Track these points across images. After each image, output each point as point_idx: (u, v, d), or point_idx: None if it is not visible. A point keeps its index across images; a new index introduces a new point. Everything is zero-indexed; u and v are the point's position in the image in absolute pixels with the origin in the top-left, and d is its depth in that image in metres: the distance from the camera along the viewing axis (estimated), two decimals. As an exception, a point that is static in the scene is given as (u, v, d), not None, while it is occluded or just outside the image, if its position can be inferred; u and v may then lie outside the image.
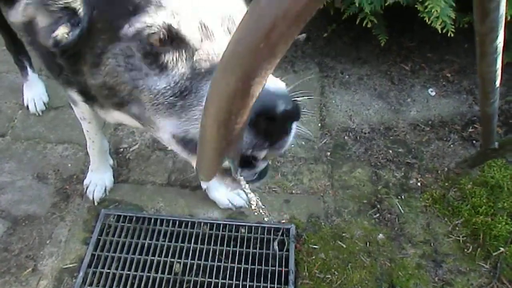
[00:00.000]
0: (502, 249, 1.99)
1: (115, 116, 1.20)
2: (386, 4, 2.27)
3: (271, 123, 0.80)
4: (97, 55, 1.00)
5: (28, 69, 2.52)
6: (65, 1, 0.99)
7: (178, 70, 0.95)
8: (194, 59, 0.94)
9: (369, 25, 2.44)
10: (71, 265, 1.97)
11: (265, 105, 0.76)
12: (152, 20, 0.91)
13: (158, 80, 0.96)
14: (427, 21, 2.17)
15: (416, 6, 2.18)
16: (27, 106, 2.56)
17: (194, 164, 0.97)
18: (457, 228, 2.10)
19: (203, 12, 0.95)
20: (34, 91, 2.56)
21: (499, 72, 1.07)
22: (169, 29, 0.92)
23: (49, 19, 1.00)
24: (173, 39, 0.93)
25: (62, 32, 0.99)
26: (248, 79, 0.52)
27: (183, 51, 0.95)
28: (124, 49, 0.96)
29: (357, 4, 2.25)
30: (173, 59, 0.95)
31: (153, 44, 0.93)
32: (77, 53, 1.04)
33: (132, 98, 1.03)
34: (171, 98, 0.96)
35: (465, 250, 2.02)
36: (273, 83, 0.82)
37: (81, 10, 0.99)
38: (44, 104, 2.58)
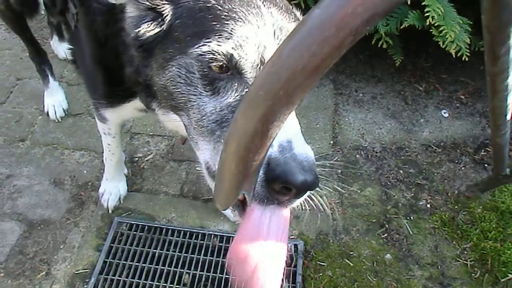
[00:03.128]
0: (510, 275, 1.99)
1: (172, 118, 1.24)
2: (402, 26, 2.30)
3: (286, 190, 0.86)
4: (166, 59, 1.08)
5: (50, 77, 2.60)
6: (153, 3, 1.08)
7: (227, 98, 1.02)
8: (244, 92, 1.01)
9: (384, 46, 2.47)
10: (83, 271, 2.02)
11: (286, 175, 0.83)
12: (217, 47, 0.98)
13: (208, 102, 1.04)
14: (441, 45, 2.19)
15: (431, 30, 2.21)
16: (47, 112, 2.63)
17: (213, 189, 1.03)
18: (465, 252, 2.10)
19: (266, 48, 1.01)
20: (55, 98, 2.64)
21: (510, 107, 1.10)
22: (231, 59, 0.99)
23: (136, 13, 1.10)
24: (232, 68, 1.01)
25: (145, 29, 1.09)
26: (267, 122, 0.56)
27: (237, 82, 1.01)
28: (188, 64, 1.04)
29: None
30: (225, 87, 1.02)
31: (212, 69, 1.00)
32: (151, 49, 1.12)
33: (185, 108, 1.11)
34: (213, 124, 1.03)
35: (473, 274, 2.03)
36: (302, 148, 0.89)
37: (167, 17, 1.08)
38: (64, 111, 2.65)
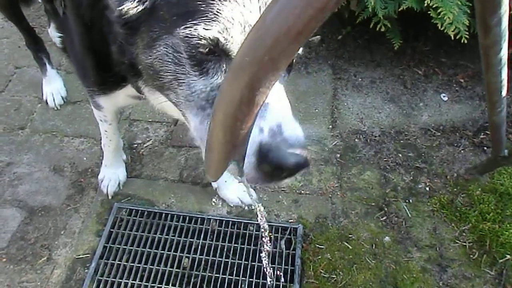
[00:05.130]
0: (508, 256, 2.00)
1: (159, 98, 1.24)
2: (400, 9, 2.28)
3: (279, 171, 0.89)
4: (152, 38, 1.07)
5: (47, 65, 2.60)
6: None
7: (217, 78, 1.02)
8: None
9: (382, 29, 2.45)
10: (83, 256, 2.04)
11: (278, 159, 0.86)
12: (204, 32, 0.97)
13: (197, 81, 1.04)
14: (439, 27, 2.17)
15: (429, 12, 2.19)
16: (46, 100, 2.64)
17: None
18: (463, 234, 2.11)
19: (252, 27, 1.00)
20: (53, 86, 2.64)
21: (505, 82, 1.09)
22: (217, 43, 0.98)
23: None
24: (218, 51, 1.00)
25: (128, 7, 1.06)
26: (253, 88, 0.56)
27: (225, 63, 1.01)
28: (175, 44, 1.03)
29: (370, 9, 2.27)
30: (214, 68, 1.02)
31: (200, 51, 1.00)
32: (135, 27, 1.10)
33: (171, 86, 1.10)
34: (203, 102, 1.03)
35: (471, 256, 2.04)
36: (292, 131, 0.91)
37: None
38: (62, 98, 2.66)
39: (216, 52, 1.00)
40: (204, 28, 0.97)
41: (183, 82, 1.05)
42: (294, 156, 0.87)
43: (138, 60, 1.14)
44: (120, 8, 1.06)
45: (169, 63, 1.05)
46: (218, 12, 0.98)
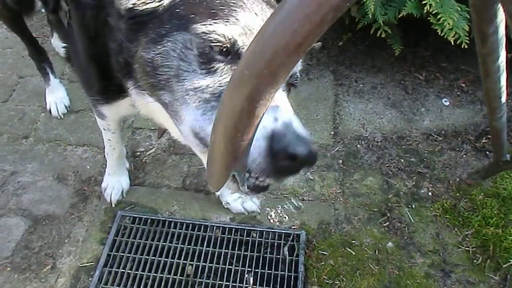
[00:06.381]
0: (512, 261, 2.00)
1: (148, 102, 1.22)
2: (400, 15, 2.29)
3: (289, 161, 0.88)
4: (160, 35, 1.06)
5: (50, 74, 2.62)
6: None
7: (225, 78, 1.02)
8: None
9: (383, 35, 2.47)
10: (87, 264, 2.05)
11: (292, 146, 0.87)
12: (224, 30, 0.99)
13: (202, 79, 1.03)
14: (439, 33, 2.18)
15: (429, 18, 2.20)
16: (49, 109, 2.65)
17: (204, 161, 1.05)
18: (467, 239, 2.11)
19: None
20: (56, 95, 2.66)
21: (504, 88, 1.10)
22: (234, 44, 1.00)
23: None
24: (233, 54, 1.01)
25: (141, 0, 1.06)
26: (253, 100, 0.57)
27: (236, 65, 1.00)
28: (186, 39, 1.03)
29: (370, 16, 2.28)
30: (224, 68, 1.02)
31: (213, 49, 1.00)
32: (143, 22, 1.09)
33: (166, 85, 1.09)
34: (209, 95, 1.02)
35: (475, 261, 2.03)
36: (302, 128, 0.92)
37: None
38: (66, 107, 2.67)
39: (230, 54, 1.01)
40: (224, 26, 0.99)
41: (185, 79, 1.04)
42: (307, 144, 0.87)
43: (136, 57, 1.13)
44: (133, 1, 1.05)
45: (174, 58, 1.05)
46: (240, 18, 1.01)
